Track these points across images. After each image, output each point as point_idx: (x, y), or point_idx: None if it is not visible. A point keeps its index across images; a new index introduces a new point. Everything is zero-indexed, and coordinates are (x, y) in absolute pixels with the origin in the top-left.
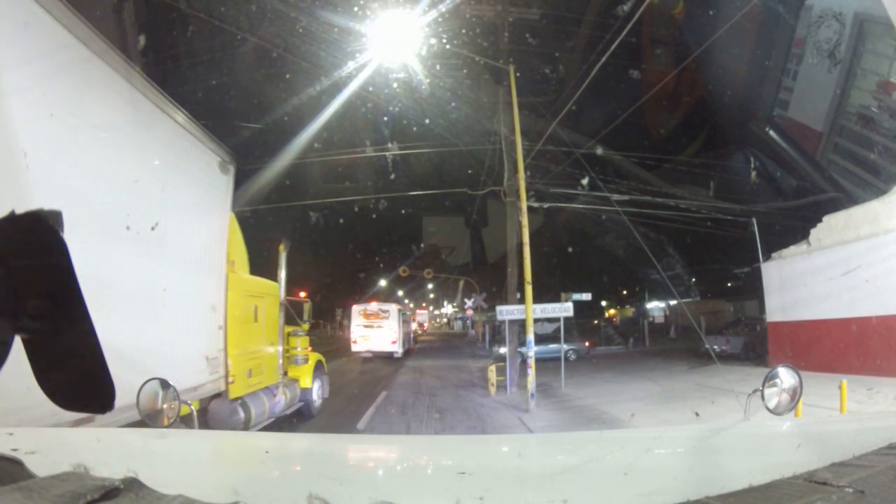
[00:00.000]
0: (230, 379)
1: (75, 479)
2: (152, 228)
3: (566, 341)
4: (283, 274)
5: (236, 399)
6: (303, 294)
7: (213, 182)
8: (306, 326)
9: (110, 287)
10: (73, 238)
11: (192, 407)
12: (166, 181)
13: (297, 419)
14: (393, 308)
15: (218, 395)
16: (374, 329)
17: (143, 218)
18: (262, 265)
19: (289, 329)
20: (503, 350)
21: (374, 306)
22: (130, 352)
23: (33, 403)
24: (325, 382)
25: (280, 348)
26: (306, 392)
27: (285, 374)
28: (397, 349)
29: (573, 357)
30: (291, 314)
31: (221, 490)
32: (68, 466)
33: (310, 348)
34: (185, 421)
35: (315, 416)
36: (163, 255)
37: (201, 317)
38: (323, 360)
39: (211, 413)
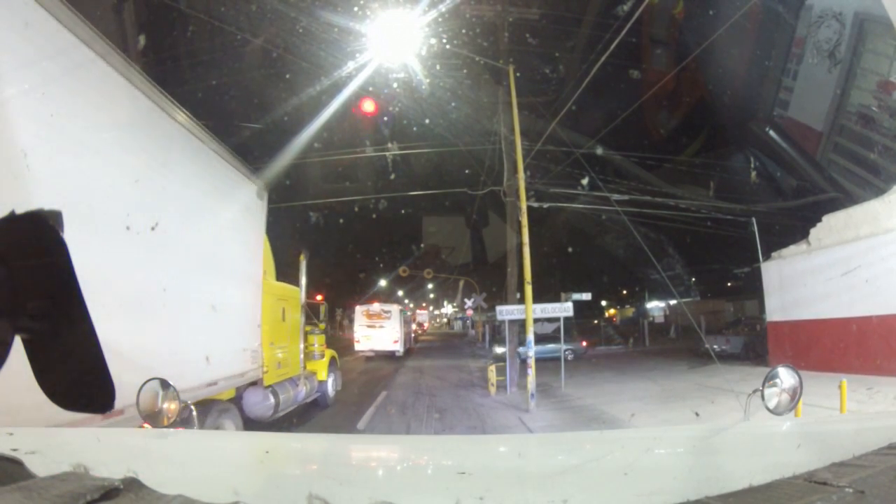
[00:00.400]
0: (265, 369)
1: (75, 479)
2: (213, 252)
3: (554, 342)
4: (303, 280)
5: (269, 386)
6: (319, 297)
7: (253, 207)
8: (322, 325)
9: (191, 296)
10: (173, 259)
11: (192, 407)
12: (221, 209)
13: (314, 408)
14: (395, 309)
15: (253, 383)
16: (377, 329)
17: (207, 241)
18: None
19: (307, 328)
20: (499, 350)
21: (376, 307)
22: (204, 343)
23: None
24: (338, 376)
25: (301, 345)
26: (322, 384)
27: (305, 367)
28: (399, 348)
29: (571, 357)
30: (309, 314)
31: (221, 490)
32: (68, 466)
33: (325, 345)
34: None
35: (329, 405)
36: (221, 270)
37: (247, 317)
38: (336, 356)
39: (246, 398)
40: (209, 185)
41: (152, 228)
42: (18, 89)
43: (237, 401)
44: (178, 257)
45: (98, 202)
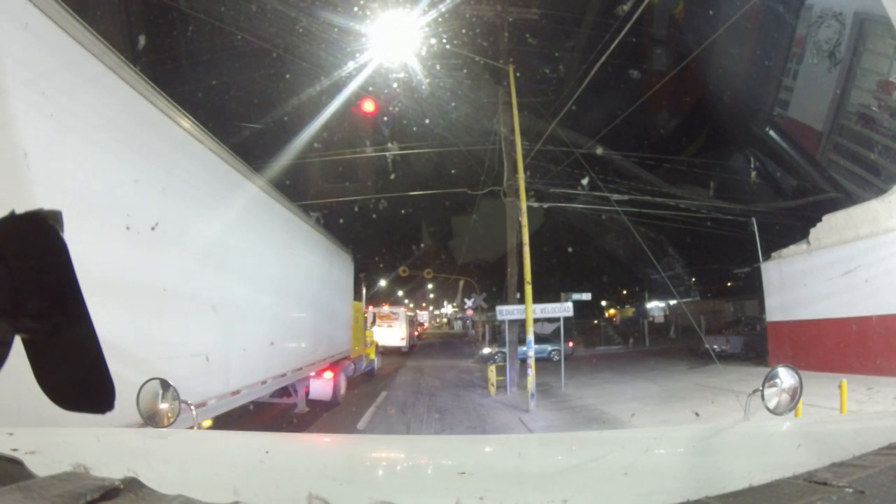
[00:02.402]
0: (352, 349)
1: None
2: (336, 290)
3: (548, 342)
4: (363, 297)
5: (352, 359)
6: (369, 307)
7: (347, 266)
8: (371, 327)
9: (326, 312)
10: (324, 296)
11: (192, 408)
12: (338, 271)
13: (368, 377)
14: (401, 311)
15: (345, 358)
16: (386, 328)
17: (333, 285)
18: None
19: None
20: (486, 350)
21: (386, 309)
22: (331, 334)
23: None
24: (379, 359)
25: (362, 337)
26: (371, 361)
27: (364, 351)
28: (404, 344)
29: (556, 358)
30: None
31: (221, 490)
32: (68, 466)
33: (372, 338)
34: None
35: (375, 376)
36: (340, 298)
37: (346, 321)
38: (378, 345)
39: (341, 366)
40: (335, 260)
41: (314, 293)
42: (16, 92)
43: (336, 366)
44: (325, 296)
45: (291, 281)
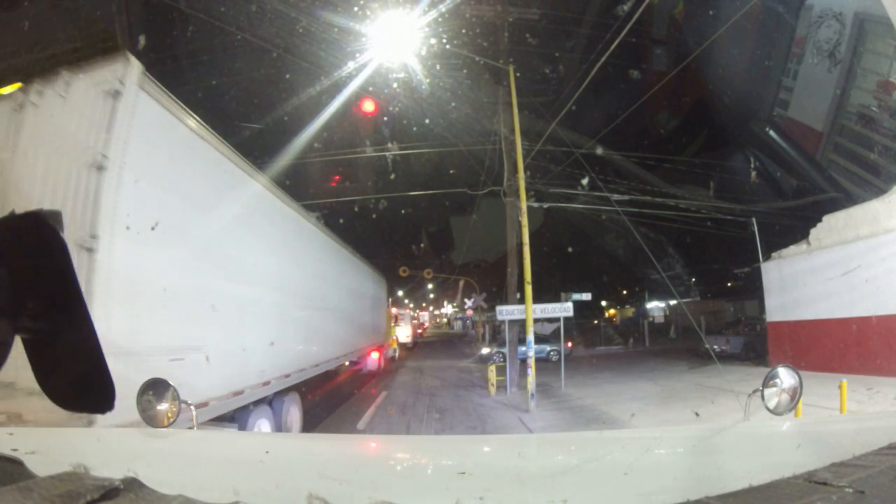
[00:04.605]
0: (385, 341)
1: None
2: (375, 302)
3: (547, 342)
4: (389, 301)
5: (386, 347)
6: (393, 310)
7: (382, 284)
8: (394, 326)
9: (368, 317)
10: (366, 308)
11: (192, 408)
12: (376, 290)
13: (391, 361)
14: (406, 313)
15: (382, 345)
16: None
17: (372, 299)
18: None
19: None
20: (484, 351)
21: (393, 311)
22: (376, 330)
23: None
24: (399, 349)
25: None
26: (394, 350)
27: (390, 343)
28: (409, 340)
29: (555, 358)
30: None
31: (221, 490)
32: (68, 466)
33: (393, 334)
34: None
35: (395, 360)
36: (376, 307)
37: (382, 322)
38: (398, 339)
39: (382, 350)
40: (378, 284)
41: (369, 306)
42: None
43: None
44: (374, 307)
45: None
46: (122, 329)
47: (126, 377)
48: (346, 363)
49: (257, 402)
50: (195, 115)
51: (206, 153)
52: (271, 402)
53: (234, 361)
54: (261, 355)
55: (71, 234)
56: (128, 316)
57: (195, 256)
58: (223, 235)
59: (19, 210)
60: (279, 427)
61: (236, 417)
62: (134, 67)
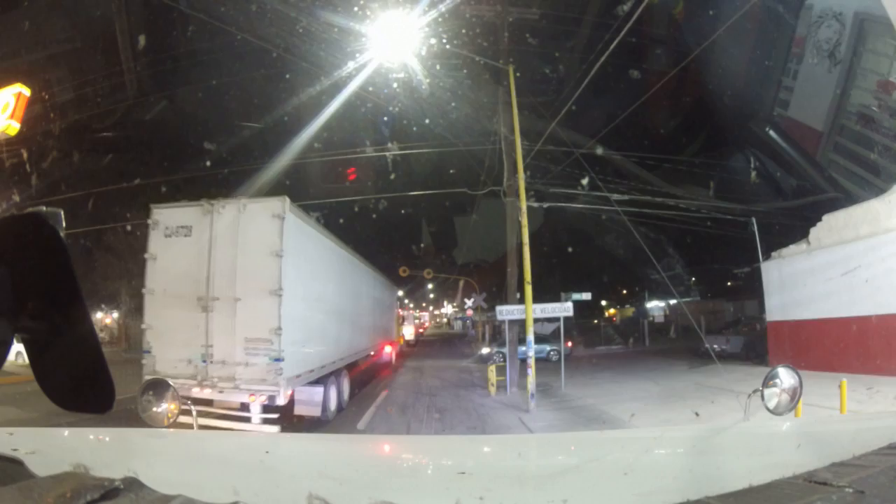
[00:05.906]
0: (395, 338)
1: (75, 479)
2: (387, 308)
3: (547, 342)
4: (397, 305)
5: (395, 343)
6: (400, 311)
7: (393, 293)
8: (401, 325)
9: (383, 321)
10: (377, 312)
11: (192, 408)
12: (389, 299)
13: (398, 357)
14: (409, 314)
15: (393, 342)
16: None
17: (387, 304)
18: None
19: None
20: (486, 350)
21: (399, 313)
22: (388, 330)
23: None
24: (403, 345)
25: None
26: (401, 346)
27: (397, 340)
28: (412, 339)
29: (555, 357)
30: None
31: (221, 490)
32: (68, 466)
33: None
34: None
35: (402, 353)
36: (388, 313)
37: (393, 324)
38: (404, 337)
39: (393, 345)
40: (391, 294)
41: (383, 311)
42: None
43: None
44: (386, 312)
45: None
46: (294, 337)
47: (304, 358)
48: (371, 353)
49: (329, 374)
50: (315, 222)
51: (319, 240)
52: (335, 373)
53: (325, 351)
54: (334, 347)
55: (270, 287)
56: (295, 328)
57: (316, 297)
58: (327, 283)
59: (244, 275)
60: (340, 388)
61: (320, 380)
62: (287, 202)
